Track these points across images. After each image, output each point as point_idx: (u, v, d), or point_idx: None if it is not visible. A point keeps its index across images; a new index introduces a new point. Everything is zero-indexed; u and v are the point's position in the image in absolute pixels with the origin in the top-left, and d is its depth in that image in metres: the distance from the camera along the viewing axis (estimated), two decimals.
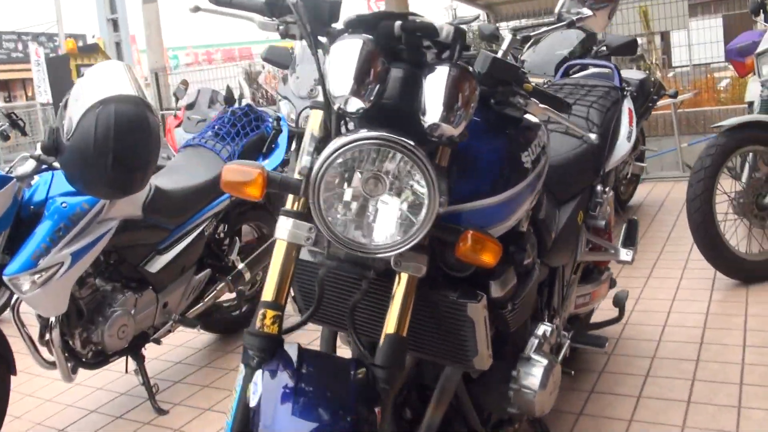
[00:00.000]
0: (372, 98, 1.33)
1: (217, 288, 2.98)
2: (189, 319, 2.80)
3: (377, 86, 1.33)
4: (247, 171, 1.36)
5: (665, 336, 2.85)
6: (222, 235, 3.09)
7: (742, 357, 2.58)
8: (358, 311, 1.52)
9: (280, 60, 4.33)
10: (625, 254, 2.35)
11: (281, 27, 1.53)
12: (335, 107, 1.36)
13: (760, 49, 3.40)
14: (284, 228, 1.42)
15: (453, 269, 1.50)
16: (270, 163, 3.20)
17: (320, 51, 1.56)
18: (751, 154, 3.25)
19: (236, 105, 5.27)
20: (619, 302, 2.32)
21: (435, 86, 1.34)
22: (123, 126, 2.00)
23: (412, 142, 1.28)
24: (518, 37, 1.57)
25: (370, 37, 1.36)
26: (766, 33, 3.53)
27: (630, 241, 2.41)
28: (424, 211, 1.30)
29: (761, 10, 3.66)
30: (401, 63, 1.37)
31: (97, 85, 2.03)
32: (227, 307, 3.31)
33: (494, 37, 3.98)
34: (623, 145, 2.44)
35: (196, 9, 1.61)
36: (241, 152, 3.04)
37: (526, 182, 1.57)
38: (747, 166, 3.26)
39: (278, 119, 3.30)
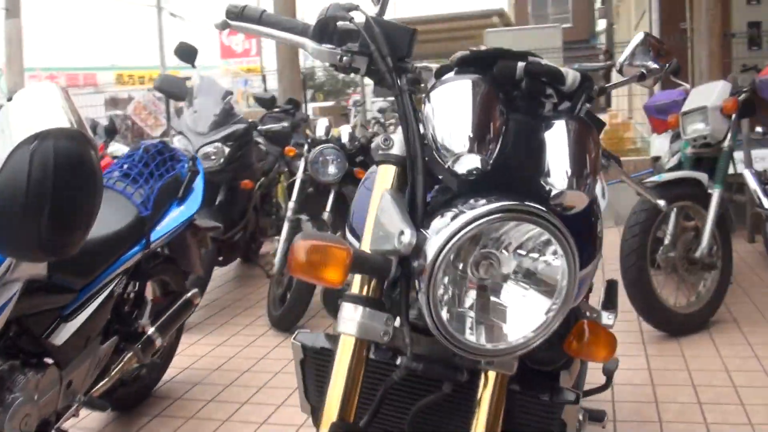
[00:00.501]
0: (493, 158, 1.07)
1: (125, 358, 2.50)
2: (97, 401, 2.30)
3: (499, 143, 1.08)
4: (330, 249, 1.04)
5: (618, 395, 2.74)
6: (132, 295, 2.62)
7: (703, 416, 2.51)
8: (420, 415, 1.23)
9: (175, 91, 3.91)
10: (607, 318, 2.20)
11: (345, 58, 1.23)
12: (446, 165, 1.08)
13: (685, 108, 3.49)
14: (351, 319, 1.11)
15: (539, 362, 1.25)
16: (186, 210, 2.78)
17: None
18: (675, 209, 3.28)
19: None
20: (609, 371, 2.16)
21: (560, 145, 1.10)
22: (64, 169, 1.56)
23: (548, 212, 1.03)
24: (595, 89, 1.37)
25: (486, 79, 1.11)
26: (690, 93, 3.65)
27: (611, 304, 2.26)
28: (564, 294, 1.04)
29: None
30: (516, 113, 1.13)
31: (29, 114, 1.57)
32: (131, 378, 2.81)
33: (416, 81, 3.81)
34: (602, 202, 2.32)
35: (225, 25, 1.27)
36: (156, 197, 2.61)
37: (599, 255, 1.36)
38: (672, 220, 3.28)
39: (194, 159, 2.89)
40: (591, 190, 1.11)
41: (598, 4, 22.68)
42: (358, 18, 1.24)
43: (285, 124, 4.15)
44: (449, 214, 1.05)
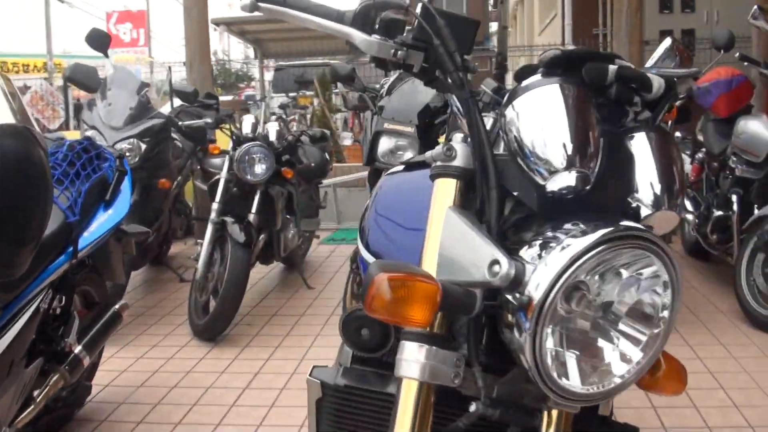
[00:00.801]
0: (595, 175, 0.95)
1: (51, 382, 2.22)
2: None
3: (599, 157, 0.97)
4: (418, 284, 0.90)
5: None
6: (58, 310, 2.33)
7: (660, 421, 2.51)
8: None
9: (87, 82, 3.58)
10: None
11: (399, 52, 1.06)
12: (545, 183, 0.95)
13: None
14: (416, 361, 0.97)
15: None
16: (114, 215, 2.52)
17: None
18: None
19: None
20: None
21: (646, 160, 1.01)
22: (11, 173, 1.31)
23: (657, 236, 0.93)
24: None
25: (578, 83, 0.99)
26: None
27: None
28: (667, 324, 0.94)
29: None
30: (602, 124, 1.02)
31: None
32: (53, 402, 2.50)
33: (350, 79, 3.67)
34: None
35: (254, 7, 1.08)
36: (84, 200, 2.33)
37: None
38: None
39: (121, 157, 2.62)
40: (681, 210, 1.03)
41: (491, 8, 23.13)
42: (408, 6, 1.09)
43: (208, 120, 3.89)
44: (538, 242, 0.94)
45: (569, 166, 0.95)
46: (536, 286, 0.90)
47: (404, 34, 1.08)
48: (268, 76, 12.50)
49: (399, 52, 1.06)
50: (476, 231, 0.97)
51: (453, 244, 0.99)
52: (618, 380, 0.95)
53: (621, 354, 0.96)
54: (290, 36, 12.07)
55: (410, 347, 0.98)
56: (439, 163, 1.06)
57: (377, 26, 1.08)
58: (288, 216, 4.30)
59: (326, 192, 5.80)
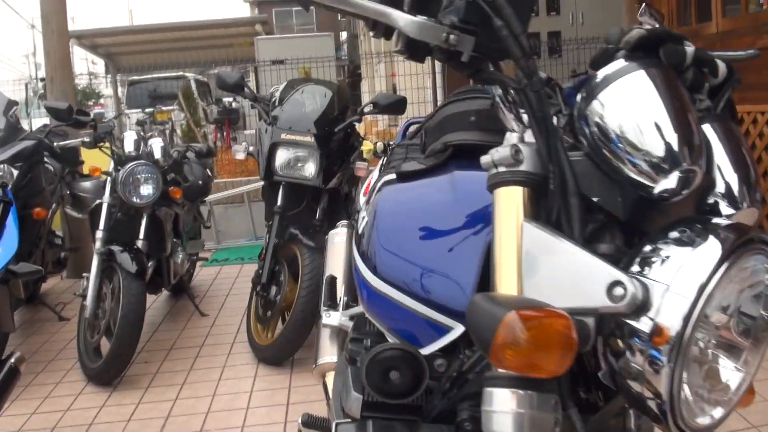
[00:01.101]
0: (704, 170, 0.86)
1: None
2: None
3: (705, 150, 0.85)
4: (551, 322, 0.75)
5: None
6: None
7: None
8: None
9: None
10: None
11: (452, 37, 0.87)
12: (653, 186, 0.83)
13: None
14: (509, 412, 0.82)
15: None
16: (3, 255, 2.16)
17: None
18: None
19: None
20: None
21: (720, 153, 0.95)
22: None
23: None
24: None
25: (665, 67, 0.88)
26: None
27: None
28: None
29: None
30: None
31: None
32: None
33: (239, 87, 3.41)
34: None
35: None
36: None
37: None
38: None
39: (3, 186, 2.26)
40: (760, 205, 0.94)
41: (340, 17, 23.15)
42: None
43: (85, 138, 3.50)
44: (639, 257, 0.81)
45: (677, 164, 0.84)
46: (669, 311, 0.77)
47: (440, 14, 0.89)
48: (121, 91, 11.79)
49: (451, 37, 0.86)
50: (579, 247, 0.83)
51: (542, 264, 0.84)
52: (735, 399, 0.85)
53: (732, 371, 0.85)
54: (143, 49, 11.48)
55: (501, 395, 0.82)
56: (502, 169, 0.90)
57: (407, 5, 0.88)
58: (175, 239, 3.98)
59: (209, 210, 5.47)
